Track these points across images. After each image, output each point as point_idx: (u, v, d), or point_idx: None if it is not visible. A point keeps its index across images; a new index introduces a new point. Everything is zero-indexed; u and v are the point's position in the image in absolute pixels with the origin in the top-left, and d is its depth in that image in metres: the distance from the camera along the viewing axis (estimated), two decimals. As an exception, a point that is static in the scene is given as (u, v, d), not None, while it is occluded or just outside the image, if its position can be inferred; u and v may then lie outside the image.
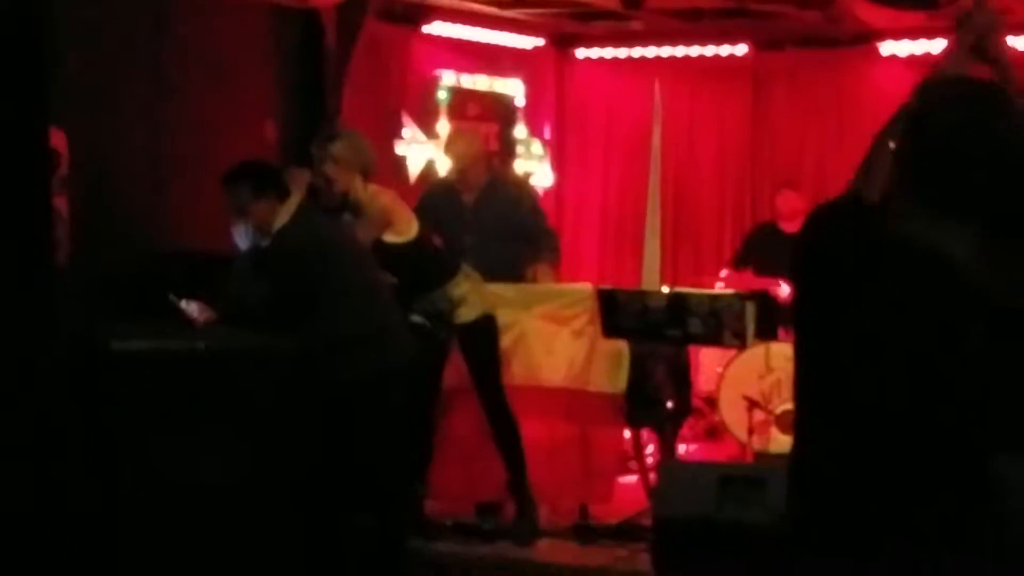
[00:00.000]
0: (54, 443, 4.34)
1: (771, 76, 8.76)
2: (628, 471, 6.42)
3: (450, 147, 6.54)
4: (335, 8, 6.65)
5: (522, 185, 7.45)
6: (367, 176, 5.54)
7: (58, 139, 5.05)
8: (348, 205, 5.52)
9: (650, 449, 6.43)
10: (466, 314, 5.76)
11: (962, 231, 2.06)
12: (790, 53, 8.65)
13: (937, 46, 8.03)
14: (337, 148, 5.47)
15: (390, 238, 5.55)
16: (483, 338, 5.83)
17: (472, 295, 5.77)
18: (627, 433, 6.30)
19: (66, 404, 4.43)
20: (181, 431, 4.73)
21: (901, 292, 2.08)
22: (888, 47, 8.16)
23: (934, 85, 2.18)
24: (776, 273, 7.62)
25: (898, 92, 9.27)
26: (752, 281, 7.58)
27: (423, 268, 5.65)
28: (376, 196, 5.55)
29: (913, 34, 7.98)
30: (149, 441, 4.68)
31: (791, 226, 7.91)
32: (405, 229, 5.60)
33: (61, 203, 5.21)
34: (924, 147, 2.09)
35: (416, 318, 5.73)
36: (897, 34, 8.02)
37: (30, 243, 4.31)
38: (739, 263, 7.88)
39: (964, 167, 2.05)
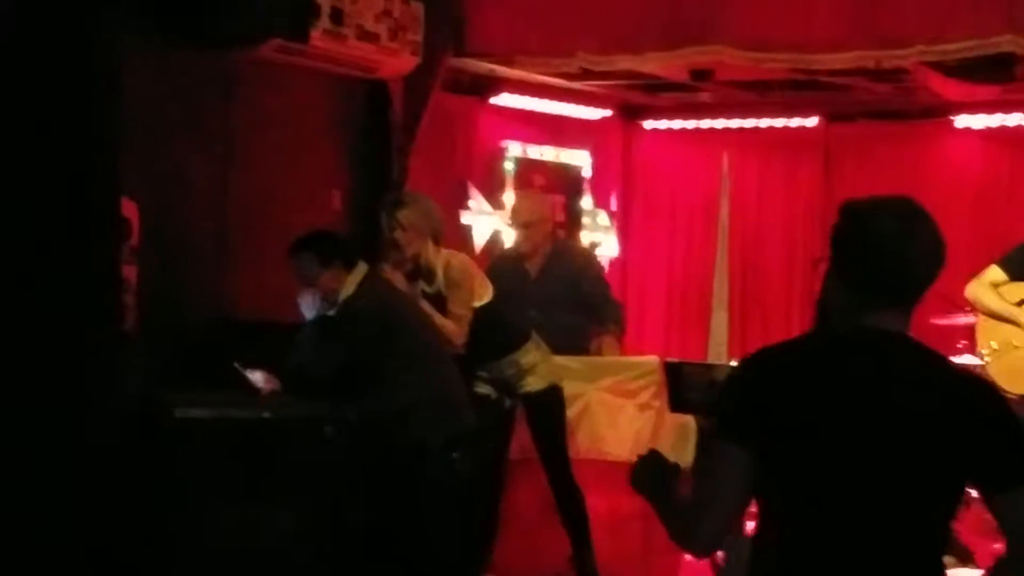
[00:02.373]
0: (117, 508, 4.34)
1: (842, 148, 8.68)
2: (694, 548, 6.29)
3: (517, 209, 6.54)
4: (403, 79, 6.70)
5: (587, 255, 7.43)
6: (437, 241, 5.54)
7: (129, 209, 5.12)
8: (420, 271, 5.51)
9: (717, 526, 6.30)
10: (534, 384, 5.71)
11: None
12: (862, 125, 8.58)
13: (1012, 119, 7.93)
14: (405, 215, 5.48)
15: None
16: (550, 409, 5.77)
17: (541, 365, 5.72)
18: (693, 509, 6.19)
19: (130, 470, 4.44)
20: (243, 498, 4.73)
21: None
22: (962, 120, 8.06)
23: (856, 203, 2.49)
24: None
25: (971, 165, 9.14)
26: None
27: (495, 333, 5.61)
28: (451, 260, 5.54)
29: (988, 107, 7.88)
30: (211, 507, 4.69)
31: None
32: (481, 292, 5.58)
33: (130, 272, 5.27)
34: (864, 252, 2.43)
35: (483, 388, 5.70)
36: (971, 107, 7.92)
37: (98, 311, 4.35)
38: None
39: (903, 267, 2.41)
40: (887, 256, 2.40)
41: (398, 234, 5.46)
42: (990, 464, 2.38)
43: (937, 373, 2.42)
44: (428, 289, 5.52)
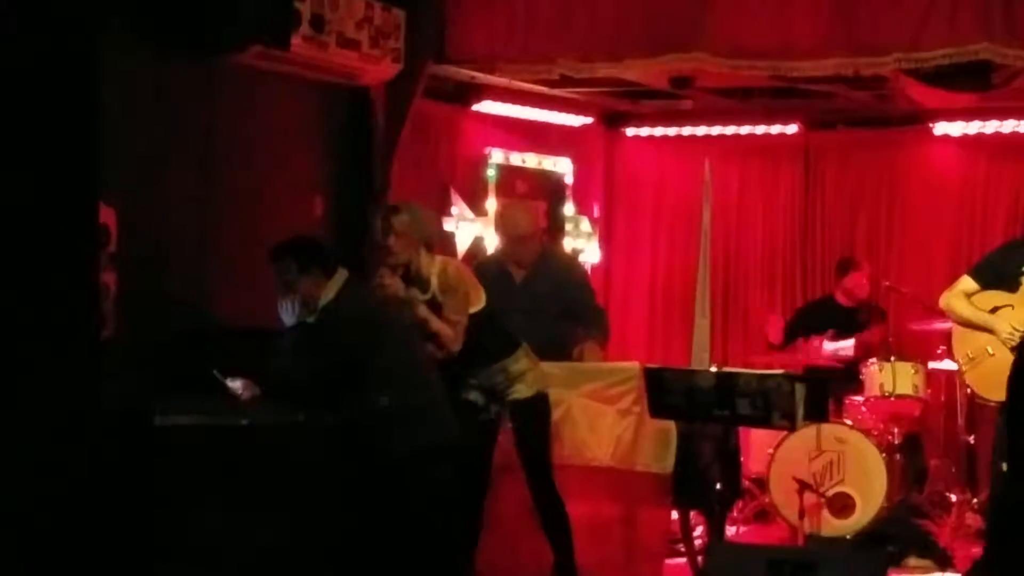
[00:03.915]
0: (97, 516, 4.33)
1: (822, 155, 8.74)
2: (675, 553, 6.30)
3: (507, 218, 6.55)
4: (384, 86, 6.71)
5: (571, 262, 7.43)
6: (430, 248, 5.56)
7: (107, 216, 5.11)
8: (412, 278, 5.51)
9: (698, 531, 6.32)
10: (521, 391, 5.71)
11: None
12: (841, 132, 8.63)
13: (989, 127, 7.98)
14: (399, 221, 5.48)
15: None
16: (536, 417, 5.77)
17: (529, 373, 5.73)
18: (674, 514, 6.20)
19: (109, 478, 4.43)
20: (223, 505, 4.72)
21: None
22: (941, 127, 8.11)
23: None
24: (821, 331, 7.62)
25: (949, 172, 9.25)
26: (801, 348, 7.58)
27: (487, 340, 5.62)
28: (446, 266, 5.55)
29: (966, 115, 7.94)
30: (192, 514, 4.68)
31: (849, 300, 7.86)
32: (475, 299, 5.59)
33: (109, 279, 5.25)
34: None
35: (470, 395, 5.69)
36: (950, 114, 7.98)
37: (77, 318, 4.33)
38: (789, 335, 7.82)
39: None
40: None
41: (391, 240, 5.47)
42: None
43: None
44: (422, 296, 5.53)
